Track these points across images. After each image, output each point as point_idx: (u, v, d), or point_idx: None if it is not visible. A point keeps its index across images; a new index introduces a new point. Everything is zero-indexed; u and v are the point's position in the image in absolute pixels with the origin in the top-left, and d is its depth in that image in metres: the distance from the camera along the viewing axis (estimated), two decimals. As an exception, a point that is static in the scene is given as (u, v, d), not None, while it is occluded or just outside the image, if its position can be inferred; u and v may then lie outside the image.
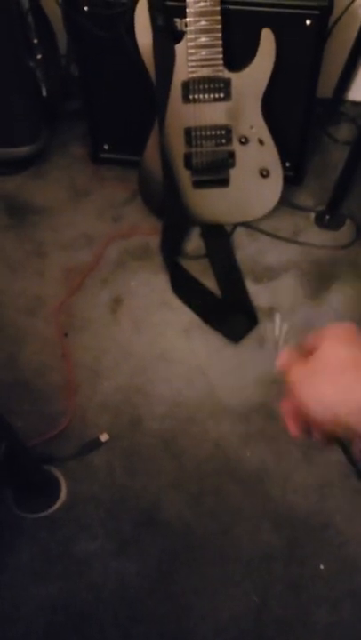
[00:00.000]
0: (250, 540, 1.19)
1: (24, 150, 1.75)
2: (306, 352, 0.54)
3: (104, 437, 1.29)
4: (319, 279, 1.56)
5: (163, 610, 1.12)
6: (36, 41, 1.70)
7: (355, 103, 1.94)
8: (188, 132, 1.48)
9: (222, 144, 1.51)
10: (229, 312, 1.50)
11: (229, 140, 1.50)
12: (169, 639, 1.10)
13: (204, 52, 1.36)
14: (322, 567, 1.16)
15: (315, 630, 1.10)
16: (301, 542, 1.18)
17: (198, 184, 1.57)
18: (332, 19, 1.49)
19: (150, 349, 1.44)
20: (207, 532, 1.20)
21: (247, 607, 1.12)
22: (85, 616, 1.12)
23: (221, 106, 1.44)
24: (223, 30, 1.33)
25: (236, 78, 1.40)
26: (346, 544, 1.18)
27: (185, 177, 1.56)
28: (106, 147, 1.78)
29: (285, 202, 1.68)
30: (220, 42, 1.34)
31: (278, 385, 1.37)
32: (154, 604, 1.13)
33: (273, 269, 1.58)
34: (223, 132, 1.49)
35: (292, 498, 1.23)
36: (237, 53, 1.39)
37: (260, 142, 1.50)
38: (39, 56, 1.73)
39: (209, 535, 1.20)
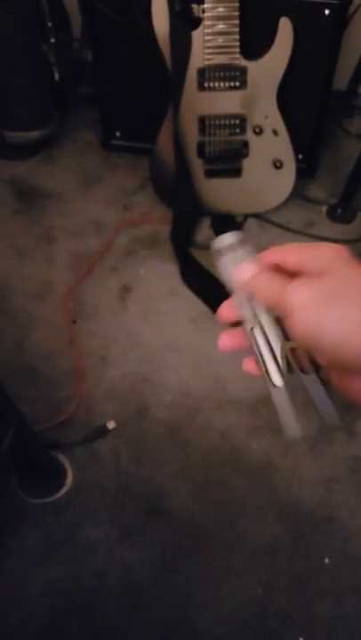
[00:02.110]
0: (254, 531, 1.19)
1: (35, 134, 1.74)
2: (284, 271, 0.43)
3: (111, 425, 1.29)
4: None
5: (166, 598, 1.12)
6: (50, 24, 1.69)
7: (369, 96, 1.92)
8: (202, 120, 1.47)
9: (236, 133, 1.49)
10: (238, 303, 1.49)
11: (244, 130, 1.49)
12: (171, 627, 1.10)
13: (220, 40, 1.35)
14: (327, 561, 1.15)
15: (318, 623, 1.10)
16: (306, 535, 1.18)
17: (211, 173, 1.56)
18: (351, 10, 1.48)
19: (158, 338, 1.44)
20: (211, 522, 1.20)
21: (250, 598, 1.12)
22: (89, 602, 1.12)
23: (237, 94, 1.42)
24: (241, 18, 1.32)
25: (253, 67, 1.38)
26: (351, 539, 1.18)
27: (197, 166, 1.55)
28: (117, 133, 1.77)
29: (297, 194, 1.67)
30: (237, 29, 1.33)
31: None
32: (157, 592, 1.13)
33: (283, 261, 1.57)
34: (238, 122, 1.47)
35: (297, 491, 1.23)
36: (254, 42, 1.37)
37: (275, 133, 1.49)
38: (52, 40, 1.72)
39: (213, 525, 1.19)
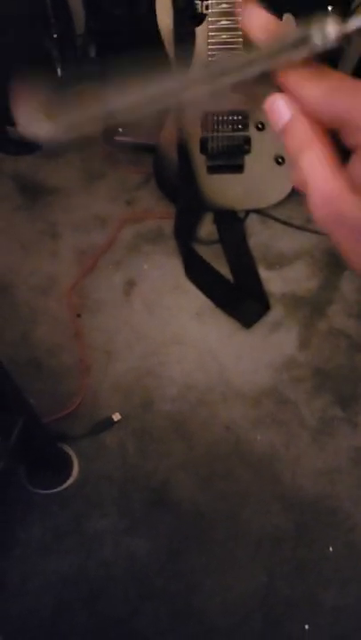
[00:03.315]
0: (259, 521, 1.20)
1: (38, 130, 1.75)
2: None
3: (116, 417, 1.30)
4: (331, 267, 1.56)
5: (172, 588, 1.13)
6: (52, 20, 1.69)
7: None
8: (205, 116, 1.48)
9: (239, 129, 1.50)
10: (242, 297, 1.50)
11: (246, 126, 1.50)
12: (178, 617, 1.11)
13: (224, 36, 1.36)
14: (331, 550, 1.17)
15: (322, 611, 1.11)
16: (310, 525, 1.20)
17: (213, 169, 1.57)
18: (354, 5, 1.49)
19: (162, 332, 1.45)
20: (217, 513, 1.21)
21: (255, 587, 1.13)
22: (95, 592, 1.13)
23: (240, 90, 1.43)
24: (245, 14, 1.32)
25: (256, 63, 1.39)
26: (354, 529, 1.19)
27: (200, 162, 1.56)
28: (120, 129, 1.78)
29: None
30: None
31: (289, 371, 1.38)
32: (163, 581, 1.14)
33: (285, 256, 1.59)
34: (240, 118, 1.48)
35: (301, 482, 1.24)
36: (258, 38, 1.38)
37: (277, 129, 1.50)
38: (55, 35, 1.73)
39: (218, 516, 1.21)
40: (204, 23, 1.34)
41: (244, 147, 1.54)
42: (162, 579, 1.14)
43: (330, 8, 1.36)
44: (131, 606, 1.12)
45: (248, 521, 1.20)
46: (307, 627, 1.09)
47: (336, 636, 1.09)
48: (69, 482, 1.22)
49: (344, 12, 1.36)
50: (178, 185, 1.58)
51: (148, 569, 1.15)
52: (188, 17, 1.35)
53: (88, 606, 1.12)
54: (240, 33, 1.35)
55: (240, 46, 1.36)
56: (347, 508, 1.21)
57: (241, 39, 1.35)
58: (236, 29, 1.34)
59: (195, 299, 1.50)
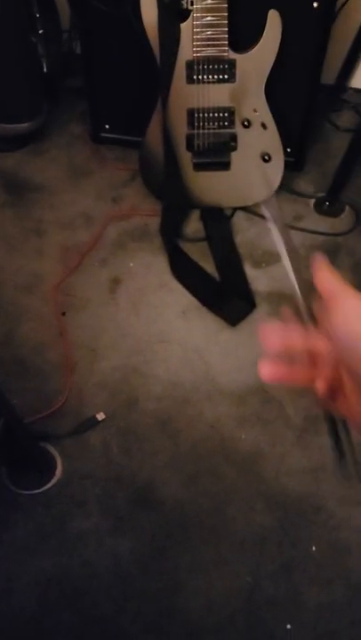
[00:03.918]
0: (243, 520, 1.20)
1: (23, 126, 1.73)
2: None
3: (100, 416, 1.29)
4: (317, 265, 1.56)
5: (156, 586, 1.13)
6: (38, 15, 1.68)
7: (357, 90, 1.93)
8: (190, 113, 1.47)
9: (225, 126, 1.50)
10: (228, 295, 1.50)
11: (232, 123, 1.49)
12: (162, 615, 1.11)
13: (209, 32, 1.35)
14: (314, 549, 1.17)
15: (306, 610, 1.11)
16: (294, 524, 1.20)
17: (199, 166, 1.57)
18: (339, 3, 1.49)
19: (148, 330, 1.44)
20: (201, 511, 1.21)
21: (239, 586, 1.13)
22: (79, 591, 1.13)
23: (225, 87, 1.43)
24: (230, 10, 1.32)
25: (242, 60, 1.39)
26: (338, 528, 1.19)
27: (186, 159, 1.55)
28: (107, 126, 1.77)
29: (286, 188, 1.68)
30: (226, 22, 1.33)
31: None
32: (147, 580, 1.14)
33: (272, 254, 1.58)
34: (226, 115, 1.48)
35: (285, 481, 1.24)
36: (243, 34, 1.38)
37: (263, 126, 1.50)
38: (41, 31, 1.71)
39: (203, 515, 1.21)
40: (189, 19, 1.33)
41: (230, 144, 1.53)
42: (146, 578, 1.14)
43: (315, 5, 1.36)
44: (115, 605, 1.12)
45: (233, 520, 1.20)
46: (289, 626, 1.09)
47: (320, 634, 1.09)
48: (53, 482, 1.22)
49: (328, 9, 1.35)
50: (164, 182, 1.58)
51: (132, 568, 1.15)
52: (173, 13, 1.35)
53: (72, 605, 1.12)
54: (225, 29, 1.34)
55: (225, 43, 1.35)
56: (331, 507, 1.21)
57: (226, 36, 1.35)
58: (220, 26, 1.34)
59: (180, 297, 1.50)
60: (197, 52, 1.37)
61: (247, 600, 1.12)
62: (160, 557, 1.16)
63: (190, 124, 1.49)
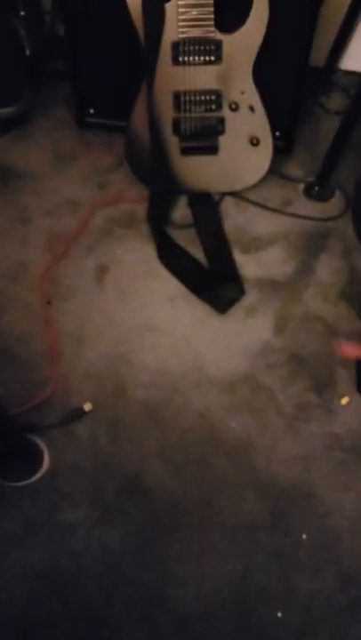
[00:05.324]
0: (234, 509, 1.19)
1: (6, 111, 1.70)
2: None
3: (87, 407, 1.28)
4: (307, 251, 1.54)
5: (146, 576, 1.12)
6: (19, -4, 1.64)
7: (347, 72, 1.90)
8: (177, 95, 1.44)
9: (212, 110, 1.47)
10: (216, 282, 1.48)
11: (220, 106, 1.46)
12: (152, 605, 1.10)
13: (195, 12, 1.32)
14: (304, 537, 1.16)
15: (296, 597, 1.11)
16: (285, 512, 1.19)
17: (186, 151, 1.54)
18: None
19: (135, 318, 1.42)
20: (191, 500, 1.20)
21: (230, 575, 1.13)
22: (68, 583, 1.11)
23: (212, 69, 1.40)
24: (216, -11, 1.29)
25: (228, 40, 1.35)
26: (328, 515, 1.19)
27: (173, 143, 1.53)
28: (91, 110, 1.73)
29: (275, 172, 1.65)
30: (211, 1, 1.30)
31: (264, 357, 1.36)
32: (137, 570, 1.13)
33: (261, 240, 1.56)
34: (213, 97, 1.45)
35: (276, 468, 1.23)
36: (230, 14, 1.34)
37: (251, 109, 1.47)
38: (22, 13, 1.67)
39: (193, 504, 1.20)
40: (174, -1, 1.30)
41: (217, 127, 1.50)
42: (135, 568, 1.13)
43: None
44: (104, 596, 1.11)
45: (223, 508, 1.19)
46: (280, 614, 1.09)
47: (311, 620, 1.09)
48: (40, 473, 1.20)
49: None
50: (151, 167, 1.55)
51: (121, 558, 1.14)
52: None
53: (61, 597, 1.11)
54: (211, 9, 1.31)
55: (211, 23, 1.32)
56: (321, 494, 1.21)
57: (212, 16, 1.31)
58: (206, 5, 1.30)
59: (168, 284, 1.47)
60: (183, 32, 1.34)
61: (238, 588, 1.12)
62: (149, 547, 1.15)
63: (176, 107, 1.46)
